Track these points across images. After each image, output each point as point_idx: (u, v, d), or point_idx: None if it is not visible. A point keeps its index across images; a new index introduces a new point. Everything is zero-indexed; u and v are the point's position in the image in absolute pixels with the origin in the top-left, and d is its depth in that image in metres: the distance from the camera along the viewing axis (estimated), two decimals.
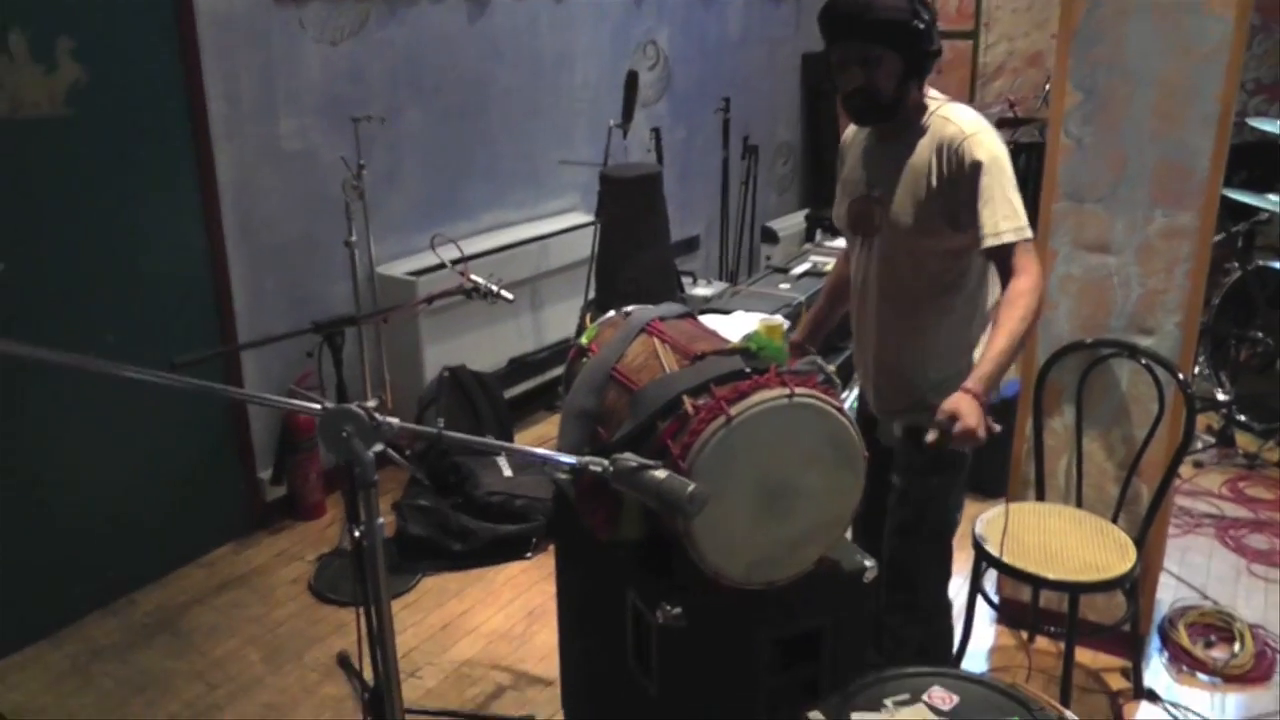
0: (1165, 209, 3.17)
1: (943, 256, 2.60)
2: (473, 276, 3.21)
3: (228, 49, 4.03)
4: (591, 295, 5.05)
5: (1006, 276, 2.47)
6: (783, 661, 2.31)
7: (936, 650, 2.96)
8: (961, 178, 2.48)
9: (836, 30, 2.52)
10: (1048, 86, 3.39)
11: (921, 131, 2.58)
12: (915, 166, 2.57)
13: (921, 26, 2.47)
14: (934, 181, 2.53)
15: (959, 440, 2.28)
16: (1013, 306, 2.40)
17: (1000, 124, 6.60)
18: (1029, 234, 2.47)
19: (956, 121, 2.53)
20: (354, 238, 4.14)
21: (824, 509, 2.17)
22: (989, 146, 2.49)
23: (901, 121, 2.61)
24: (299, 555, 4.19)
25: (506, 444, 1.91)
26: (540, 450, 1.90)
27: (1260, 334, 5.18)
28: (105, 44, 3.64)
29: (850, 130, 2.84)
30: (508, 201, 5.44)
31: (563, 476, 2.41)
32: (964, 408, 2.29)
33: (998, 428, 2.34)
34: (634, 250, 4.65)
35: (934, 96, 2.63)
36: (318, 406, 1.65)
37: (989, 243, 2.45)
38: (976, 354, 2.65)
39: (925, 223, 2.56)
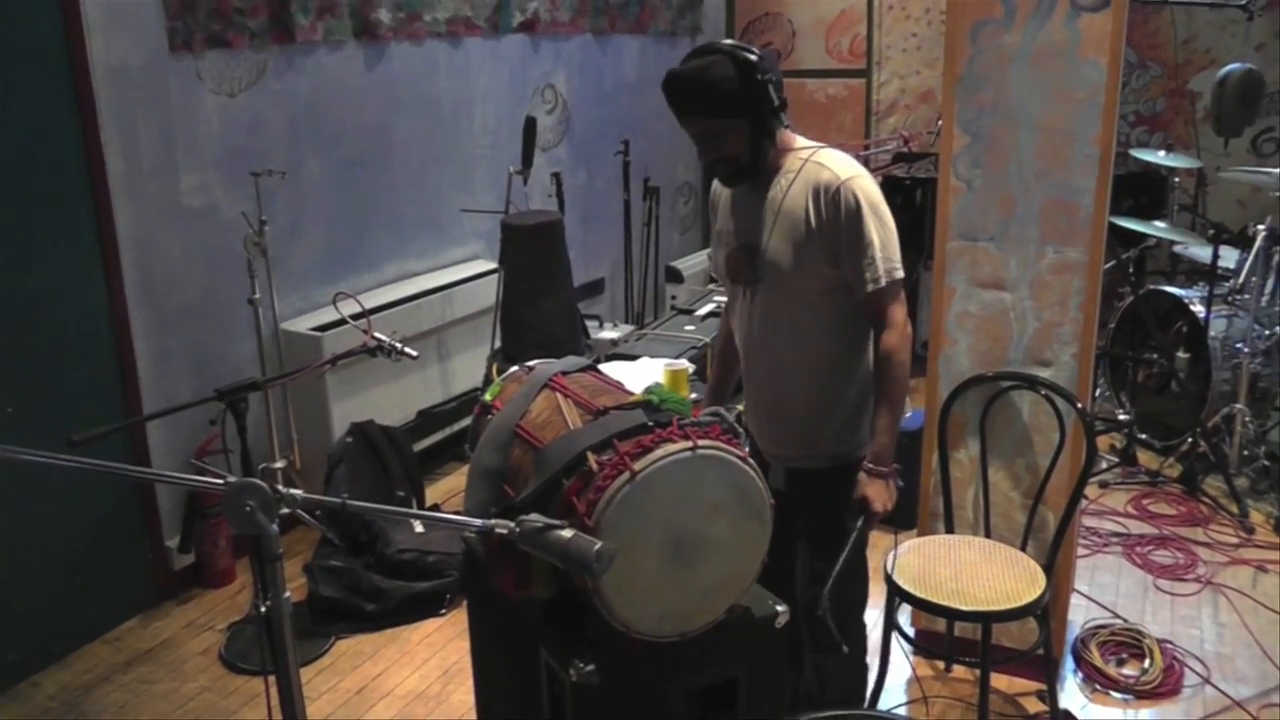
0: (1055, 245, 3.26)
1: (826, 294, 2.66)
2: (376, 334, 3.18)
3: (125, 103, 3.96)
4: (497, 344, 5.04)
5: (877, 322, 2.66)
6: (700, 711, 2.31)
7: (859, 686, 3.01)
8: (840, 222, 2.56)
9: (679, 109, 2.59)
10: (939, 122, 3.48)
11: (791, 177, 2.63)
12: (790, 212, 2.62)
13: (758, 90, 2.51)
14: (812, 224, 2.59)
15: (876, 518, 2.65)
16: (888, 371, 2.64)
17: (896, 159, 6.74)
18: (900, 274, 2.62)
19: (831, 167, 2.59)
20: (257, 295, 4.09)
21: (733, 558, 2.18)
22: (866, 191, 2.57)
23: (767, 173, 2.67)
24: (209, 625, 4.09)
25: (411, 511, 1.90)
26: (447, 515, 1.90)
27: (1154, 355, 5.33)
28: None
29: (716, 180, 2.88)
30: (411, 251, 5.41)
31: (472, 535, 2.40)
32: (871, 492, 2.63)
33: (900, 484, 2.65)
34: (538, 297, 4.64)
35: (805, 144, 2.69)
36: (220, 482, 1.64)
37: (869, 288, 2.59)
38: (861, 389, 2.77)
39: (806, 265, 2.62)
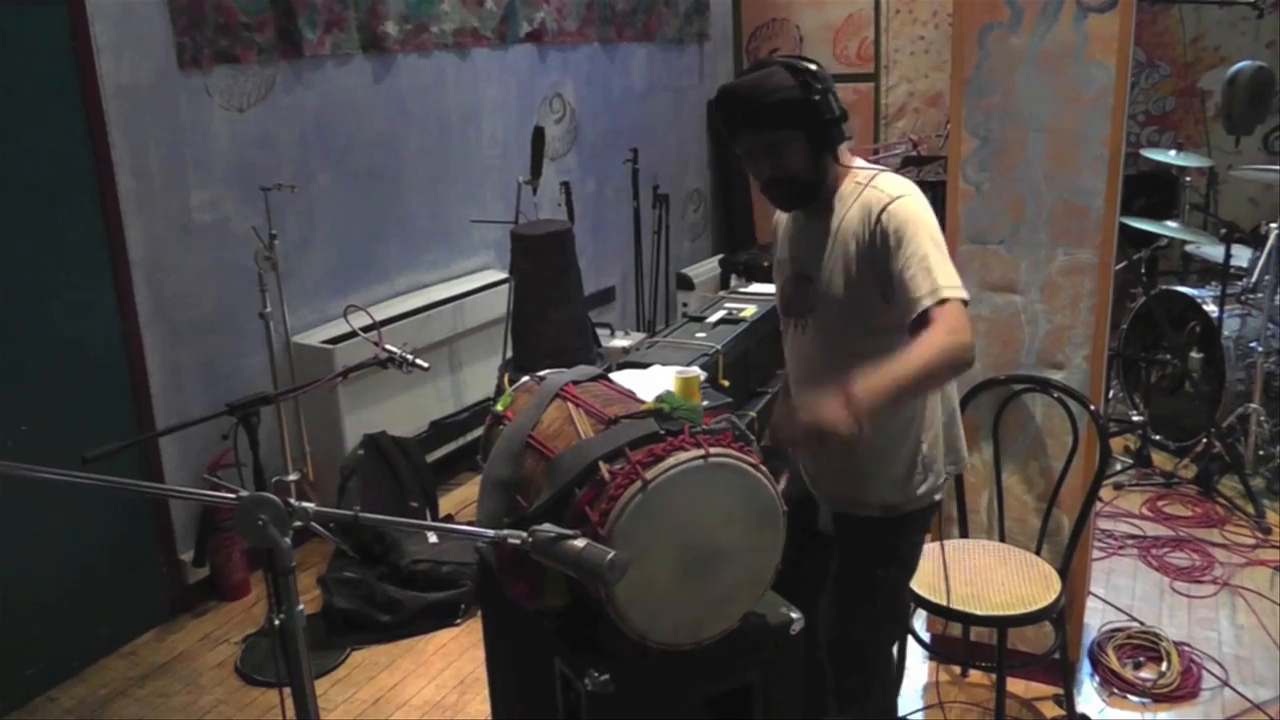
0: (1066, 247, 3.25)
1: (880, 332, 2.41)
2: (388, 346, 3.18)
3: (135, 120, 3.98)
4: (509, 354, 5.04)
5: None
6: (715, 719, 2.30)
7: (886, 714, 2.96)
8: (886, 244, 2.34)
9: (733, 124, 2.46)
10: (949, 125, 3.47)
11: (850, 203, 2.45)
12: (843, 239, 2.44)
13: (816, 98, 2.37)
14: (864, 249, 2.39)
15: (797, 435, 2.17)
16: (923, 343, 2.21)
17: (905, 163, 6.73)
18: (959, 293, 2.27)
19: (883, 189, 2.41)
20: (268, 309, 4.10)
21: (746, 566, 2.17)
22: (912, 208, 2.36)
23: (825, 196, 2.50)
24: (224, 637, 4.09)
25: (424, 522, 1.90)
26: (459, 526, 1.90)
27: (1168, 356, 5.31)
28: (7, 120, 3.58)
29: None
30: (421, 263, 5.42)
31: (485, 545, 2.40)
32: (824, 403, 2.13)
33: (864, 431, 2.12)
34: (549, 307, 4.65)
35: (863, 167, 2.51)
36: (233, 496, 1.64)
37: (915, 309, 2.27)
38: (929, 434, 2.56)
39: (857, 297, 2.44)
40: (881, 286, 2.39)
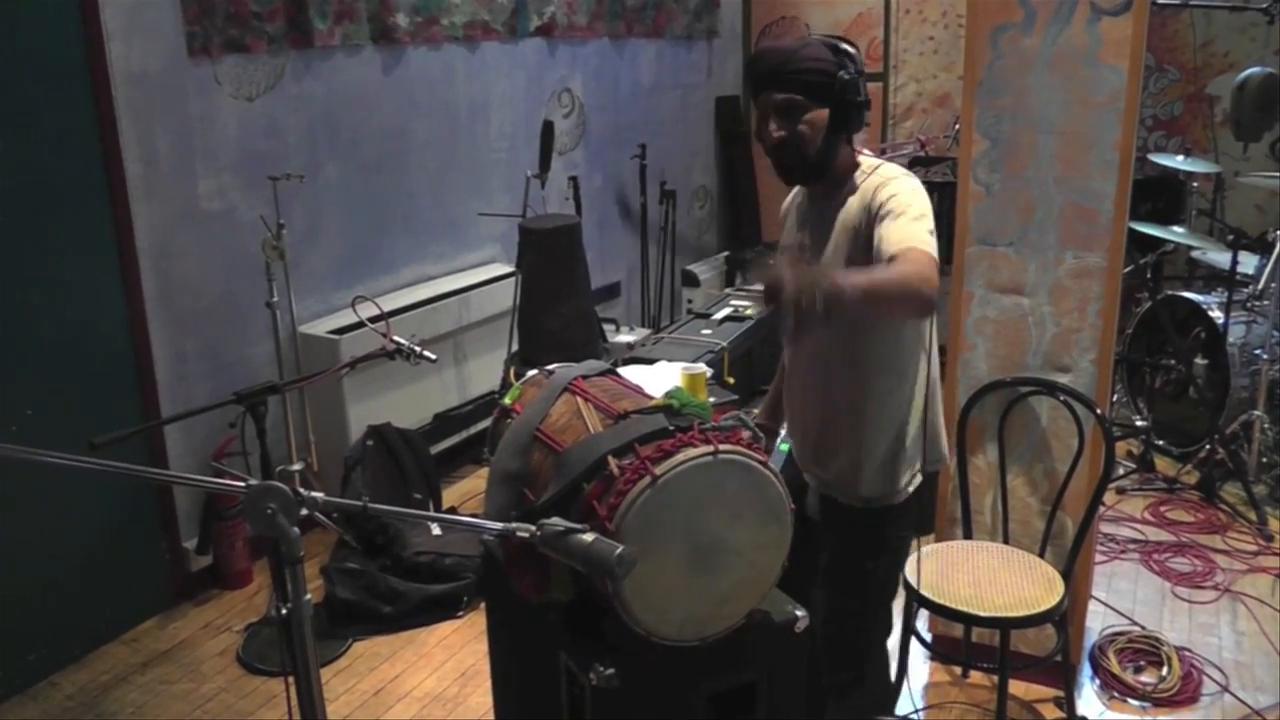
0: (1074, 251, 3.25)
1: (875, 322, 2.51)
2: (395, 337, 3.18)
3: (144, 108, 3.98)
4: (514, 348, 5.04)
5: None
6: (719, 716, 2.30)
7: (883, 708, 2.98)
8: (874, 215, 2.39)
9: (761, 82, 2.47)
10: (956, 126, 3.47)
11: (854, 191, 2.50)
12: (846, 225, 2.49)
13: (847, 78, 2.41)
14: (861, 230, 2.44)
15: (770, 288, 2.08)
16: (893, 266, 2.21)
17: (913, 163, 6.72)
18: (925, 248, 2.25)
19: (882, 175, 2.48)
20: (275, 298, 4.09)
21: (753, 563, 2.17)
22: (905, 186, 2.41)
23: (833, 182, 2.53)
24: (226, 626, 4.10)
25: (432, 514, 1.89)
26: (467, 518, 1.90)
27: (1172, 361, 5.31)
28: (16, 106, 3.58)
29: (789, 197, 2.78)
30: (428, 255, 5.42)
31: (491, 538, 2.40)
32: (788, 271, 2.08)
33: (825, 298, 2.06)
34: (555, 301, 4.65)
35: (869, 160, 2.56)
36: (241, 485, 1.64)
37: (887, 254, 2.26)
38: (912, 427, 2.60)
39: None
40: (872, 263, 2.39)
